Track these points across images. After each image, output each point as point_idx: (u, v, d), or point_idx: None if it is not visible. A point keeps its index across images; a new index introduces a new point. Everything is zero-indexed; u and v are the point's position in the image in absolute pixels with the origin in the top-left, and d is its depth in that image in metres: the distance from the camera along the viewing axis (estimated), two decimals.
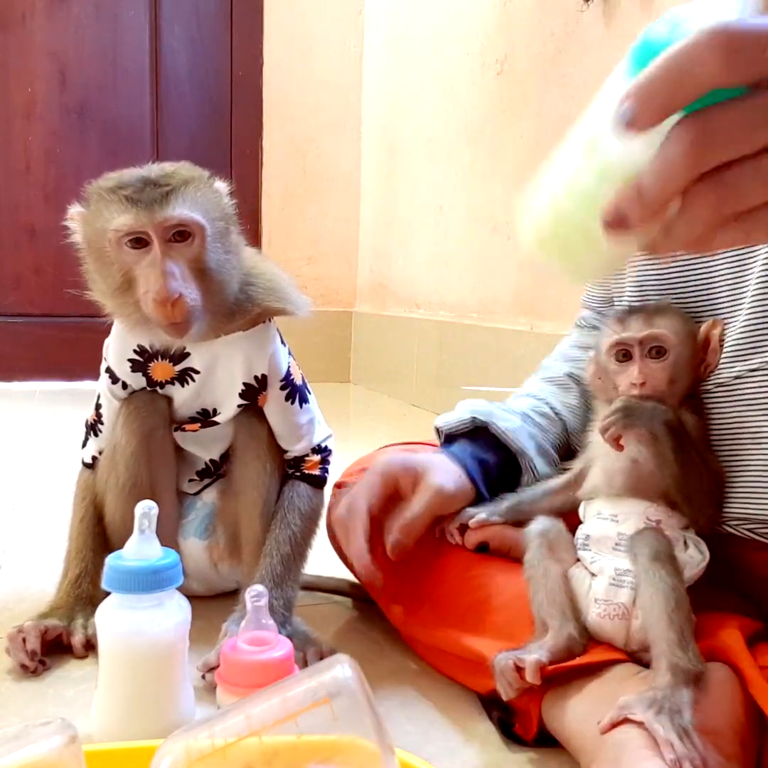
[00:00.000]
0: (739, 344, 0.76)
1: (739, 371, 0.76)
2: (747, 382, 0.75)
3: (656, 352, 0.76)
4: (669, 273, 0.82)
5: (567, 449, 0.95)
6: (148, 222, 0.82)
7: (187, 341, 0.89)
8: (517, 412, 0.94)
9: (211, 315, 0.87)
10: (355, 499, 0.87)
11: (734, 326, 0.77)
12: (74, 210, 0.87)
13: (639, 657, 0.70)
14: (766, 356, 0.74)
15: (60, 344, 2.88)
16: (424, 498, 0.85)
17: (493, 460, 0.91)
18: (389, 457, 0.90)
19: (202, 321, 0.86)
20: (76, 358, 2.77)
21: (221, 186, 0.89)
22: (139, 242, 0.82)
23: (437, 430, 0.97)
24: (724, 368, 0.77)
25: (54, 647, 0.88)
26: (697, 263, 0.80)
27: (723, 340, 0.77)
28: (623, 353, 0.78)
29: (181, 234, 0.83)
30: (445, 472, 0.88)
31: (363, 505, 0.86)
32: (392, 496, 0.87)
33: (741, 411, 0.76)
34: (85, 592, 0.92)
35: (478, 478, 0.89)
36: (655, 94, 0.39)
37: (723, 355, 0.77)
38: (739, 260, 0.77)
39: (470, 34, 2.36)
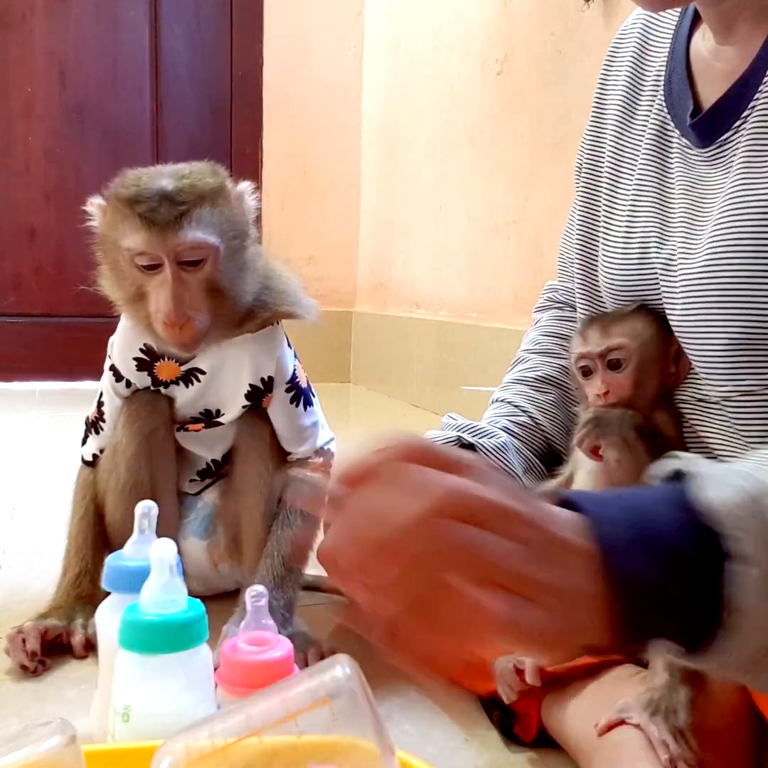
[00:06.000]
0: (731, 361, 0.69)
1: (728, 392, 0.70)
2: (734, 403, 0.70)
3: (615, 362, 0.77)
4: (642, 279, 0.78)
5: (550, 453, 0.94)
6: (160, 246, 0.81)
7: (195, 353, 0.91)
8: (499, 428, 0.92)
9: (222, 326, 0.88)
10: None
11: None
12: (95, 201, 0.87)
13: (638, 658, 0.70)
14: (759, 378, 0.68)
15: (60, 344, 2.88)
16: None
17: None
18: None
19: (211, 335, 0.87)
20: (76, 358, 2.77)
21: (243, 188, 0.89)
22: (151, 265, 0.82)
23: None
24: (709, 386, 0.72)
25: (54, 647, 0.88)
26: None
27: None
28: (586, 367, 0.79)
29: (193, 259, 0.83)
30: None
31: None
32: None
33: (725, 430, 0.72)
34: (84, 590, 0.93)
35: None
36: None
37: (712, 371, 0.71)
38: None
39: (470, 34, 2.35)
